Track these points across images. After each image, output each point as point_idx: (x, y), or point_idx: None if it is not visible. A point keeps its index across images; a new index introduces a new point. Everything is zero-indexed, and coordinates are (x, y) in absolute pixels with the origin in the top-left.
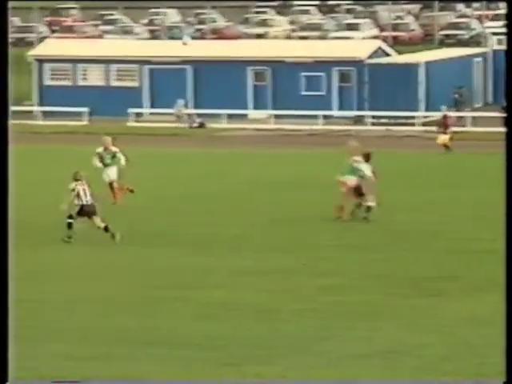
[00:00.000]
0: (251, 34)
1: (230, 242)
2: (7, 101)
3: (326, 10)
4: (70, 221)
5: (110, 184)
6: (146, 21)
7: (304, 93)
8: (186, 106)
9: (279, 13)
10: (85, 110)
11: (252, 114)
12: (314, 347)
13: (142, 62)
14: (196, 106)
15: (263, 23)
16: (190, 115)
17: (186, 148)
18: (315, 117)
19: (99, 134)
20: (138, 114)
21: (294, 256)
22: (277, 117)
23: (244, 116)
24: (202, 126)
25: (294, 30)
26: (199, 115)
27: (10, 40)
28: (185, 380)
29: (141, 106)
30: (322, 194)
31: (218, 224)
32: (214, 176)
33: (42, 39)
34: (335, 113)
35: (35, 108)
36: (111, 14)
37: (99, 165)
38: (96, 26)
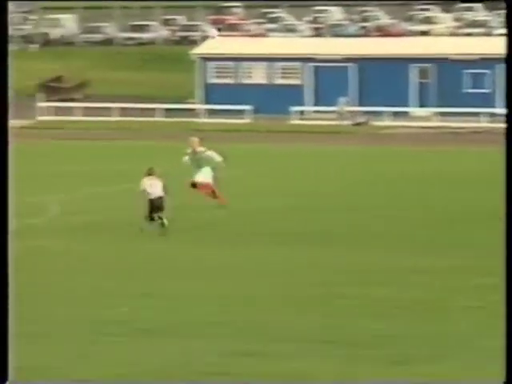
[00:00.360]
0: (415, 31)
1: (390, 239)
2: (7, 100)
3: (491, 6)
4: (163, 221)
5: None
6: (309, 18)
7: (468, 90)
8: (348, 103)
9: (443, 10)
10: (248, 107)
11: (415, 111)
12: (481, 346)
13: (306, 59)
14: (360, 104)
15: (427, 20)
16: (352, 113)
17: (347, 146)
18: (478, 114)
19: (262, 132)
20: (301, 112)
21: (456, 254)
22: (441, 114)
23: (406, 113)
24: (363, 123)
25: (458, 27)
26: (364, 113)
27: (176, 38)
28: (351, 379)
29: (303, 104)
30: (487, 191)
31: (376, 221)
32: (374, 173)
33: (205, 38)
34: (500, 110)
35: (198, 106)
36: (274, 12)
37: (188, 163)
38: (259, 24)
